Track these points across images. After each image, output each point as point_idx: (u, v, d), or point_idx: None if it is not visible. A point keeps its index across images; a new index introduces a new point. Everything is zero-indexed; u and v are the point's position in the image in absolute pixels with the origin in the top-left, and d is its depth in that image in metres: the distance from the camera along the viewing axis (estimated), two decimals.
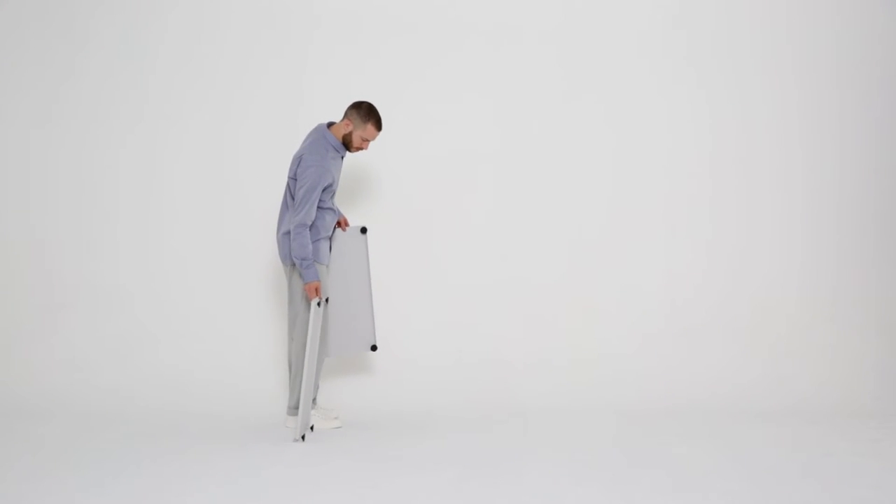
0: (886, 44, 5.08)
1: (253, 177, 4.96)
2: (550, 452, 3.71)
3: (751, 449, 3.79)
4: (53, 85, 5.02)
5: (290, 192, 4.14)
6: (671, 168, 5.06)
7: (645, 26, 5.07)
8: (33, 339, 4.89)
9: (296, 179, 4.09)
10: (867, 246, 5.06)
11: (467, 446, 3.81)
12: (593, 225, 5.03)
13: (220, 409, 4.50)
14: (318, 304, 4.00)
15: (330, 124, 4.21)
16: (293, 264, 4.14)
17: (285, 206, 4.18)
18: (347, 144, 4.19)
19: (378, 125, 4.18)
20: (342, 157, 4.23)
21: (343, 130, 4.17)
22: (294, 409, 4.15)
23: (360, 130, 4.16)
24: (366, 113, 4.15)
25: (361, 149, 4.22)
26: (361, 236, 4.42)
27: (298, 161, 4.09)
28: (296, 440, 3.90)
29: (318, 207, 4.10)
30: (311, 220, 4.04)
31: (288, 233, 4.12)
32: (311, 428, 4.09)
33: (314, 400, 4.23)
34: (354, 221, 4.77)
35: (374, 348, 4.47)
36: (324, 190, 4.08)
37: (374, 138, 4.22)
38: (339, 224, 4.34)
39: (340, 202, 4.73)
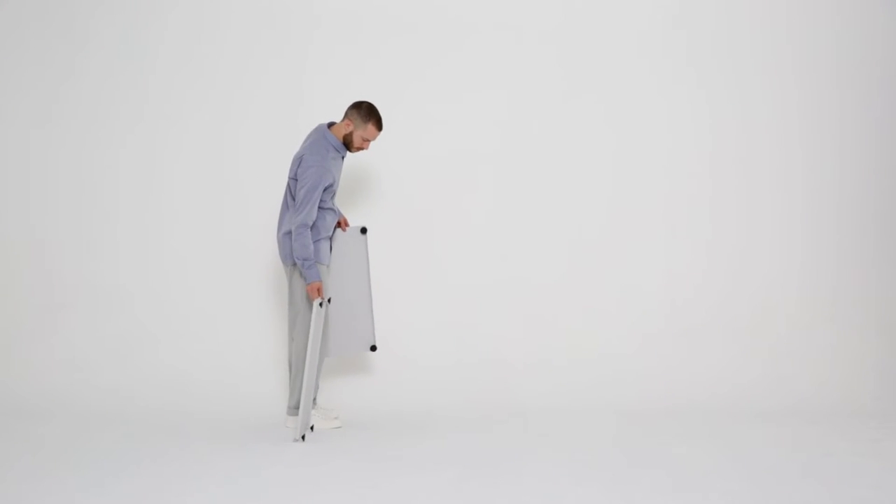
0: (886, 44, 5.08)
1: (253, 177, 4.96)
2: (550, 452, 3.71)
3: (751, 449, 3.79)
4: (53, 85, 5.02)
5: (291, 193, 4.14)
6: (671, 168, 5.06)
7: (645, 26, 5.07)
8: (33, 339, 4.89)
9: (296, 180, 4.09)
10: (867, 246, 5.06)
11: (467, 446, 3.81)
12: (593, 225, 5.03)
13: (220, 410, 4.50)
14: (320, 304, 4.00)
15: (330, 124, 4.21)
16: (294, 264, 4.15)
17: (285, 207, 4.18)
18: (348, 144, 4.19)
19: (379, 125, 4.18)
20: (343, 158, 4.23)
21: (344, 130, 4.17)
22: (294, 409, 4.15)
23: (361, 130, 4.16)
24: (366, 113, 4.15)
25: (362, 149, 4.23)
26: (361, 237, 4.42)
27: (299, 161, 4.09)
28: (296, 440, 3.90)
29: (319, 208, 4.10)
30: (312, 221, 4.04)
31: (288, 233, 4.13)
32: (312, 428, 4.09)
33: (314, 400, 4.23)
34: (354, 221, 4.77)
35: (373, 348, 4.47)
36: (324, 190, 4.08)
37: (374, 138, 4.22)
38: (339, 224, 4.34)
39: (340, 202, 4.73)
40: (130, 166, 5.01)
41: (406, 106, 4.94)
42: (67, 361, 4.82)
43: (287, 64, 5.01)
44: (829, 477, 3.36)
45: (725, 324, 4.97)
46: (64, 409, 4.50)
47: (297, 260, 4.04)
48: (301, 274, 4.10)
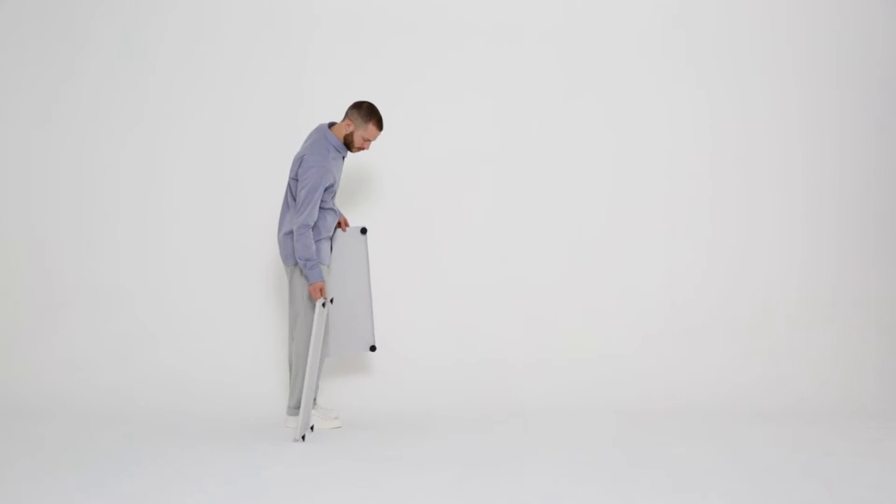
0: (886, 44, 5.08)
1: (253, 177, 4.96)
2: (550, 452, 3.71)
3: (751, 449, 3.79)
4: (53, 85, 5.02)
5: (291, 193, 4.14)
6: (671, 168, 5.06)
7: (645, 26, 5.07)
8: (33, 339, 4.89)
9: (297, 180, 4.08)
10: (867, 246, 5.06)
11: (467, 446, 3.81)
12: (593, 225, 5.03)
13: (220, 410, 4.50)
14: (323, 304, 4.00)
15: (331, 125, 4.21)
16: (294, 264, 4.15)
17: (286, 207, 4.18)
18: (349, 145, 4.19)
19: (379, 125, 4.18)
20: (343, 158, 4.23)
21: (344, 131, 4.17)
22: (294, 409, 4.15)
23: (362, 130, 4.16)
24: (366, 113, 4.15)
25: (363, 149, 4.22)
26: (361, 237, 4.42)
27: (300, 162, 4.09)
28: (296, 440, 3.90)
29: (320, 208, 4.10)
30: (313, 221, 4.04)
31: (289, 233, 4.13)
32: (312, 428, 4.09)
33: (314, 400, 4.23)
34: (354, 221, 4.77)
35: (373, 349, 4.47)
36: (325, 190, 4.08)
37: (375, 138, 4.22)
38: (339, 224, 4.34)
39: (340, 202, 4.73)
40: (130, 166, 5.01)
41: (406, 106, 4.94)
42: (67, 361, 4.82)
43: (287, 64, 5.01)
44: (829, 477, 3.36)
45: (725, 324, 4.97)
46: (64, 409, 4.50)
47: (299, 260, 4.04)
48: (303, 274, 4.10)
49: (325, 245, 4.17)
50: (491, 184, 5.02)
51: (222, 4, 5.04)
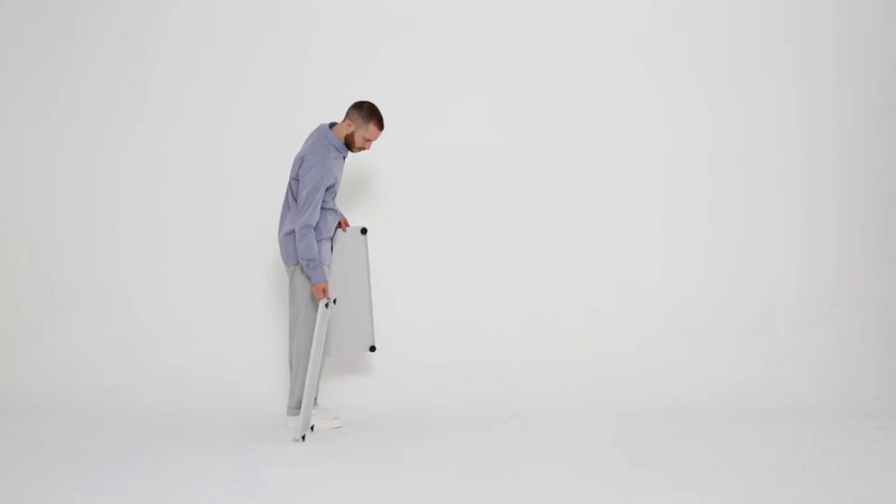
0: (886, 44, 5.08)
1: (253, 177, 4.96)
2: (550, 452, 3.71)
3: (751, 449, 3.79)
4: (53, 85, 5.02)
5: (292, 193, 4.13)
6: (671, 168, 5.06)
7: (645, 26, 5.07)
8: (33, 339, 4.89)
9: (298, 180, 4.08)
10: (867, 246, 5.06)
11: (467, 446, 3.81)
12: (593, 225, 5.03)
13: (220, 410, 4.50)
14: (326, 304, 3.99)
15: (332, 125, 4.21)
16: (295, 264, 4.15)
17: (287, 207, 4.18)
18: (350, 145, 4.19)
19: (380, 125, 4.18)
20: (344, 158, 4.23)
21: (345, 131, 4.16)
22: (294, 409, 4.15)
23: (362, 130, 4.16)
24: (367, 113, 4.14)
25: (364, 149, 4.22)
26: (362, 237, 4.42)
27: (300, 162, 4.08)
28: (296, 440, 3.90)
29: (320, 208, 4.10)
30: (315, 221, 4.04)
31: (289, 233, 4.13)
32: (312, 428, 4.09)
33: (315, 399, 4.24)
34: (354, 222, 4.77)
35: (372, 349, 4.47)
36: (326, 190, 4.08)
37: (376, 138, 4.22)
38: (339, 225, 4.34)
39: (340, 202, 4.73)
40: (130, 166, 5.01)
41: (406, 106, 4.94)
42: (67, 361, 4.82)
43: (287, 64, 5.01)
44: (829, 477, 3.36)
45: (725, 324, 4.97)
46: (64, 409, 4.50)
47: (301, 261, 4.04)
48: (306, 274, 4.10)
49: (326, 245, 4.17)
50: (491, 184, 5.02)
51: (222, 4, 5.04)
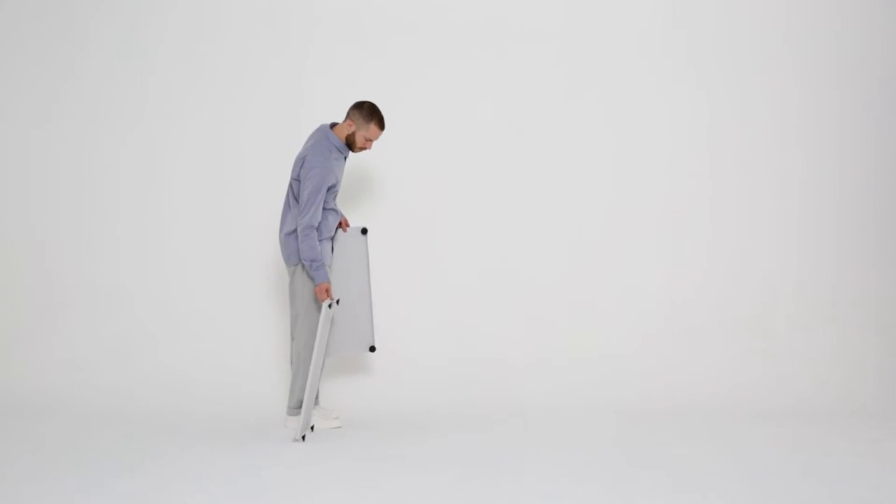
0: (886, 44, 5.08)
1: (253, 177, 4.96)
2: (550, 452, 3.70)
3: (751, 449, 3.79)
4: (53, 85, 5.03)
5: (293, 193, 4.13)
6: (671, 168, 5.06)
7: (645, 26, 5.08)
8: (33, 339, 4.89)
9: (299, 181, 4.08)
10: (867, 246, 5.06)
11: (467, 446, 3.80)
12: (593, 225, 5.03)
13: (220, 410, 4.50)
14: (329, 305, 3.99)
15: (333, 125, 4.21)
16: (295, 264, 4.15)
17: (287, 207, 4.17)
18: (351, 145, 4.19)
19: (381, 124, 4.18)
20: (345, 158, 4.23)
21: (346, 131, 4.16)
22: (294, 409, 4.15)
23: (363, 131, 4.15)
24: (368, 113, 4.14)
25: (365, 149, 4.22)
26: (362, 237, 4.42)
27: (302, 162, 4.08)
28: (296, 440, 3.90)
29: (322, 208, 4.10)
30: (317, 222, 4.04)
31: (290, 233, 4.13)
32: (312, 428, 4.09)
33: (317, 399, 4.24)
34: (355, 222, 4.77)
35: (372, 349, 4.46)
36: (327, 191, 4.08)
37: (377, 138, 4.21)
38: (340, 225, 4.34)
39: (340, 202, 4.73)
40: (130, 166, 5.01)
41: (406, 106, 4.94)
42: (67, 361, 4.82)
43: (287, 64, 5.01)
44: (829, 477, 3.36)
45: (725, 324, 4.97)
46: (64, 409, 4.50)
47: (304, 261, 4.04)
48: (308, 275, 4.10)
49: (327, 246, 4.17)
50: (491, 184, 5.02)
51: (222, 4, 5.04)
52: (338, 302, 4.16)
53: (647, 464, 3.53)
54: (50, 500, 3.05)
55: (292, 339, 4.25)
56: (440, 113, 5.02)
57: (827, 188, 5.08)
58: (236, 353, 4.84)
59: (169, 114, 5.02)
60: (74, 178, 5.01)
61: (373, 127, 4.15)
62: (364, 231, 4.42)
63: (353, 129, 4.15)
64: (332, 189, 4.12)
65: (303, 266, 4.13)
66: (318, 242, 4.04)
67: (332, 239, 4.25)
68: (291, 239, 4.13)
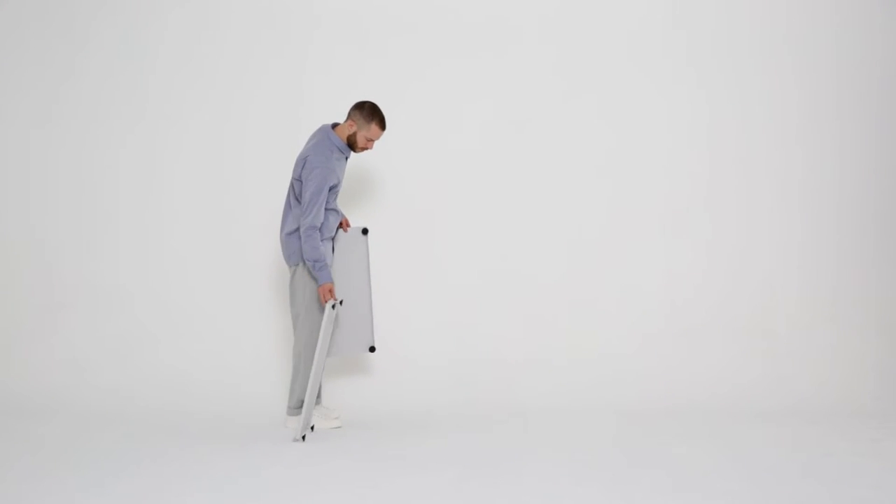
0: (886, 44, 5.08)
1: (253, 177, 4.96)
2: (550, 452, 3.70)
3: (751, 449, 3.79)
4: (53, 85, 5.03)
5: (294, 193, 4.13)
6: (671, 168, 5.06)
7: (645, 26, 5.08)
8: (33, 339, 4.90)
9: (300, 181, 4.08)
10: (867, 246, 5.06)
11: (467, 446, 3.80)
12: (593, 225, 5.03)
13: (220, 410, 4.50)
14: (333, 306, 3.99)
15: (334, 125, 4.20)
16: (296, 264, 4.15)
17: (288, 207, 4.17)
18: (352, 145, 4.18)
19: (382, 125, 4.18)
20: (346, 158, 4.23)
21: (347, 131, 4.16)
22: (294, 409, 4.15)
23: (365, 131, 4.15)
24: (369, 113, 4.14)
25: (366, 149, 4.22)
26: (363, 237, 4.42)
27: (303, 162, 4.08)
28: (296, 440, 3.90)
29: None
30: (320, 222, 4.04)
31: (291, 233, 4.13)
32: (312, 428, 4.09)
33: (319, 398, 4.25)
34: (355, 221, 4.77)
35: (372, 349, 4.46)
36: (329, 191, 4.08)
37: (378, 138, 4.21)
38: (340, 225, 4.34)
39: (341, 202, 4.73)
40: (130, 166, 5.01)
41: (406, 106, 4.94)
42: (67, 361, 4.83)
43: (287, 64, 5.01)
44: (829, 477, 3.36)
45: (725, 324, 4.97)
46: (64, 409, 4.50)
47: (307, 262, 4.04)
48: (312, 276, 4.10)
49: (327, 245, 4.17)
50: (491, 184, 5.02)
51: (222, 4, 5.04)
52: (341, 303, 4.16)
53: (647, 464, 3.53)
54: (50, 500, 3.05)
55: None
56: (440, 113, 5.02)
57: (827, 188, 5.08)
58: (236, 353, 4.84)
59: (169, 114, 5.02)
60: (74, 178, 5.01)
61: (374, 127, 4.15)
62: (365, 231, 4.42)
63: (354, 129, 4.15)
64: (333, 189, 4.12)
65: (304, 266, 4.13)
66: (321, 243, 4.04)
67: (333, 239, 4.25)
68: (292, 239, 4.13)
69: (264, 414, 4.44)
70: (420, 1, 5.03)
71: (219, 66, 5.02)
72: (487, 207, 5.01)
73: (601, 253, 5.01)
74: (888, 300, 5.03)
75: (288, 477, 3.33)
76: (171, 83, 5.02)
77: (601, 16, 5.07)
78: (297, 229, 4.12)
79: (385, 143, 4.65)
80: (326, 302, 4.00)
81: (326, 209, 4.13)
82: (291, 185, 4.15)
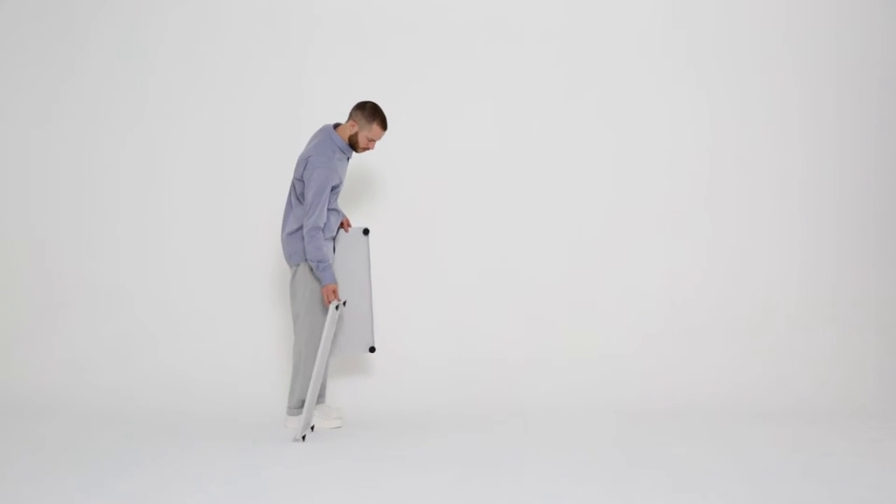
0: (886, 44, 5.08)
1: (253, 177, 4.96)
2: (550, 452, 3.70)
3: (751, 449, 3.79)
4: (53, 85, 5.03)
5: (296, 193, 4.13)
6: (671, 168, 5.06)
7: (645, 26, 5.08)
8: (33, 339, 4.89)
9: (302, 181, 4.08)
10: (867, 246, 5.06)
11: (467, 446, 3.80)
12: (593, 225, 5.03)
13: (220, 410, 4.50)
14: (336, 307, 3.99)
15: (336, 126, 4.20)
16: (297, 264, 4.14)
17: (290, 207, 4.17)
18: (354, 145, 4.18)
19: (383, 125, 4.18)
20: (348, 159, 4.23)
21: (349, 132, 4.16)
22: (294, 409, 4.15)
23: (366, 131, 4.15)
24: (370, 113, 4.14)
25: (368, 149, 4.22)
26: (364, 238, 4.42)
27: (305, 163, 4.07)
28: (296, 440, 3.90)
29: None
30: (323, 223, 4.04)
31: (292, 233, 4.13)
32: (312, 428, 4.09)
33: (323, 397, 4.25)
34: (355, 221, 4.77)
35: (372, 350, 4.46)
36: (331, 191, 4.08)
37: (379, 138, 4.21)
38: (341, 225, 4.34)
39: (341, 202, 4.73)
40: (130, 166, 5.01)
41: (406, 106, 4.93)
42: (67, 361, 4.82)
43: (287, 64, 5.01)
44: (829, 477, 3.36)
45: (725, 324, 4.97)
46: (64, 409, 4.50)
47: (311, 262, 4.04)
48: (315, 276, 4.09)
49: (329, 246, 4.17)
50: (491, 184, 5.02)
51: (222, 4, 5.04)
52: (344, 304, 4.16)
53: (647, 464, 3.53)
54: (50, 500, 3.05)
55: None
56: (440, 113, 5.02)
57: (827, 188, 5.08)
58: (236, 353, 4.84)
59: (169, 114, 5.02)
60: (74, 178, 5.01)
61: (375, 127, 4.15)
62: (366, 231, 4.42)
63: (355, 129, 4.15)
64: (335, 189, 4.12)
65: (304, 266, 4.12)
66: (324, 243, 4.04)
67: (334, 239, 4.25)
68: (293, 238, 4.13)
69: (264, 414, 4.44)
70: (420, 1, 5.03)
71: (219, 66, 5.02)
72: (487, 207, 5.01)
73: (601, 253, 5.01)
74: (888, 300, 5.03)
75: (288, 477, 3.33)
76: (171, 83, 5.02)
77: (601, 16, 5.07)
78: (298, 229, 4.12)
79: (385, 143, 4.65)
80: (330, 303, 4.00)
81: (328, 209, 4.12)
82: (293, 185, 4.15)
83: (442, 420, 4.36)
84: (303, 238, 4.09)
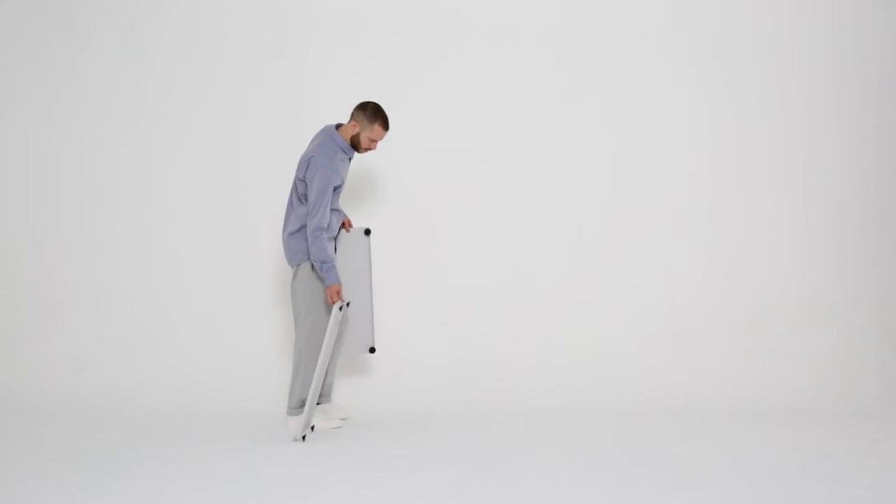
0: (886, 44, 5.08)
1: (253, 177, 4.96)
2: (550, 452, 3.71)
3: (751, 449, 3.79)
4: (53, 85, 5.03)
5: (297, 193, 4.13)
6: (671, 168, 5.06)
7: (645, 26, 5.08)
8: (33, 339, 4.89)
9: (304, 181, 4.08)
10: (867, 246, 5.06)
11: (467, 446, 3.81)
12: (593, 225, 5.03)
13: (220, 410, 4.50)
14: (340, 307, 3.98)
15: (338, 126, 4.20)
16: (297, 264, 4.14)
17: (291, 207, 4.17)
18: (356, 146, 4.18)
19: (385, 125, 4.17)
20: (350, 159, 4.23)
21: (350, 132, 4.15)
22: (294, 409, 4.15)
23: (368, 131, 4.15)
24: (372, 113, 4.14)
25: (370, 149, 4.21)
26: (365, 238, 4.42)
27: (307, 163, 4.07)
28: (296, 440, 3.90)
29: None
30: (326, 223, 4.04)
31: (293, 233, 4.12)
32: (312, 428, 4.09)
33: (329, 396, 4.26)
34: (356, 222, 4.77)
35: (372, 350, 4.46)
36: (333, 191, 4.08)
37: (381, 138, 4.21)
38: (343, 225, 4.34)
39: (342, 202, 4.73)
40: (130, 166, 5.01)
41: (406, 106, 4.93)
42: (67, 361, 4.82)
43: (287, 64, 5.01)
44: (829, 477, 3.36)
45: (725, 324, 4.97)
46: (64, 409, 4.50)
47: (315, 263, 4.04)
48: (319, 277, 4.09)
49: (330, 246, 4.17)
50: (491, 184, 5.02)
51: (222, 4, 5.04)
52: (348, 304, 4.15)
53: (647, 464, 3.53)
54: (50, 500, 3.05)
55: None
56: (440, 113, 5.02)
57: (827, 188, 5.08)
58: (236, 353, 4.84)
59: (169, 114, 5.02)
60: (74, 178, 5.01)
61: (377, 127, 4.15)
62: (367, 232, 4.42)
63: (357, 129, 4.14)
64: (337, 190, 4.12)
65: (305, 266, 4.12)
66: (328, 244, 4.04)
67: (335, 239, 4.25)
68: (294, 238, 4.13)
69: (264, 414, 4.44)
70: (420, 1, 5.03)
71: (219, 66, 5.02)
72: (488, 207, 5.01)
73: (601, 253, 5.01)
74: (888, 300, 5.03)
75: (288, 477, 3.34)
76: (171, 83, 5.02)
77: (602, 16, 5.07)
78: (300, 229, 4.12)
79: (386, 144, 4.65)
80: (334, 303, 4.00)
81: (330, 209, 4.12)
82: (294, 185, 4.14)
83: (442, 420, 4.36)
84: (304, 238, 4.09)
